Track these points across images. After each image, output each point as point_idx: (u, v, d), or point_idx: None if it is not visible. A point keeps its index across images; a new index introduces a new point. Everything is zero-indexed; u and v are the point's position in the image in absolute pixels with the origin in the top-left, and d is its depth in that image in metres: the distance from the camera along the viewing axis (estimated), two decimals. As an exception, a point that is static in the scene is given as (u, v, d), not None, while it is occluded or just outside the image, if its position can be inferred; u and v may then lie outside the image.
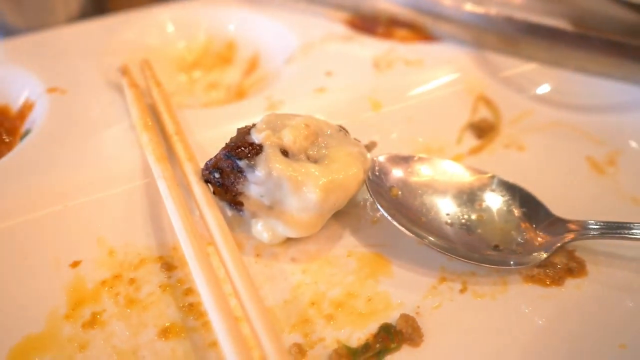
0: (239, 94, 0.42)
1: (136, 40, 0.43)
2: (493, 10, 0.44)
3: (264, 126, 0.30)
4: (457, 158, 0.37)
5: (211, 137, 0.35)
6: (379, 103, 0.39)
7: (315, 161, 0.30)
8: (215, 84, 0.43)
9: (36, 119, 0.36)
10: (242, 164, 0.29)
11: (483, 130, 0.40)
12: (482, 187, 0.32)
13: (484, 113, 0.41)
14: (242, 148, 0.29)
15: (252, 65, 0.44)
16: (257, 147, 0.29)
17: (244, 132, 0.30)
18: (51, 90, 0.37)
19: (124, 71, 0.37)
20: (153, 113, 0.36)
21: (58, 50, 0.41)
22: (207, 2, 0.47)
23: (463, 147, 0.38)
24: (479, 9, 0.43)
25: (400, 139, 0.38)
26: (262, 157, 0.28)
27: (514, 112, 0.41)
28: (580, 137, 0.39)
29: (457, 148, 0.38)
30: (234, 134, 0.32)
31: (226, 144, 0.30)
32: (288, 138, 0.29)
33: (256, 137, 0.29)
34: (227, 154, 0.29)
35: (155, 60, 0.43)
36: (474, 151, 0.38)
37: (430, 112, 0.40)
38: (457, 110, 0.41)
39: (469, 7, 0.43)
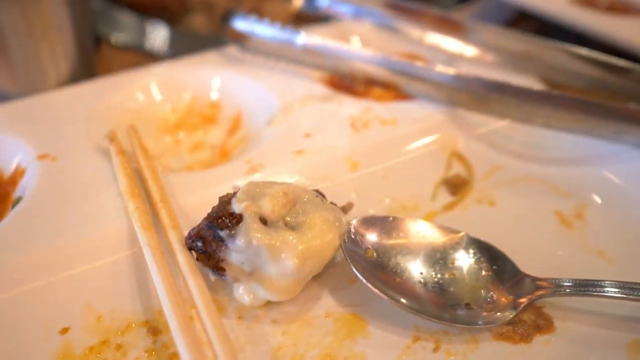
0: (223, 154, 0.44)
1: (123, 103, 0.45)
2: (463, 71, 0.46)
3: (244, 196, 0.31)
4: (431, 215, 0.39)
5: (195, 202, 0.36)
6: (356, 163, 0.41)
7: (293, 228, 0.31)
8: (199, 144, 0.45)
9: (27, 186, 0.38)
10: (223, 234, 0.30)
11: (456, 186, 0.42)
12: (454, 246, 0.34)
13: (457, 169, 0.43)
14: (223, 218, 0.31)
15: (235, 124, 0.46)
16: (238, 217, 0.31)
17: (225, 201, 0.32)
18: (42, 156, 0.39)
19: (112, 138, 0.39)
20: (139, 178, 0.37)
21: (48, 116, 0.43)
22: (190, 63, 0.49)
23: (437, 204, 0.40)
24: (450, 70, 0.45)
25: (376, 198, 0.39)
26: (242, 227, 0.30)
27: (486, 167, 0.43)
28: (548, 191, 0.41)
29: (431, 205, 0.40)
30: (216, 198, 0.33)
31: (208, 213, 0.31)
32: (267, 207, 0.31)
33: (236, 207, 0.31)
34: (209, 224, 0.31)
35: (141, 122, 0.45)
36: (448, 208, 0.40)
37: (405, 170, 0.42)
38: (431, 167, 0.42)
39: (440, 69, 0.45)
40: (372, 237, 0.34)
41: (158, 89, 0.47)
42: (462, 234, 0.34)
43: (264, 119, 0.45)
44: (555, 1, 0.65)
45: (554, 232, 0.38)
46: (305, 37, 0.47)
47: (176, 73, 0.48)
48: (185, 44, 0.61)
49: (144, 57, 0.60)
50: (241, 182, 0.37)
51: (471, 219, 0.39)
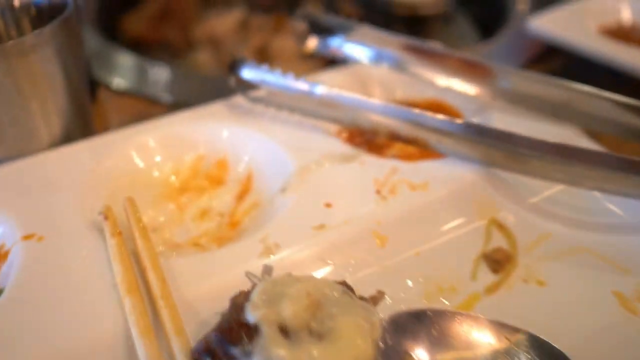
0: (233, 224, 0.39)
1: (120, 166, 0.40)
2: (498, 125, 0.41)
3: (260, 301, 0.26)
4: (473, 300, 0.34)
5: (202, 292, 0.31)
6: (384, 238, 0.36)
7: (320, 337, 0.26)
8: (206, 212, 0.40)
9: (9, 274, 0.33)
10: (236, 351, 0.25)
11: (498, 262, 0.37)
12: (511, 351, 0.29)
13: (498, 240, 0.38)
14: (237, 330, 0.26)
15: (246, 187, 0.41)
16: (254, 328, 0.26)
17: (238, 305, 0.27)
18: (27, 237, 0.34)
19: (106, 215, 0.34)
20: (138, 264, 0.32)
21: (36, 184, 0.38)
22: (194, 117, 0.45)
23: (478, 285, 0.35)
24: (483, 125, 0.40)
25: (408, 279, 0.34)
26: (259, 343, 0.25)
27: (531, 237, 0.38)
28: (603, 266, 0.36)
29: (471, 286, 0.35)
30: (226, 287, 0.29)
31: (218, 322, 0.27)
32: (288, 312, 0.26)
33: (252, 316, 0.26)
34: (219, 339, 0.26)
35: (141, 188, 0.40)
36: (491, 290, 0.35)
37: (439, 243, 0.37)
38: (469, 239, 0.38)
39: (471, 123, 0.40)
40: (409, 340, 0.29)
41: (159, 148, 0.42)
42: (522, 335, 0.29)
43: (278, 181, 0.40)
44: (586, 35, 0.60)
45: (615, 317, 0.33)
46: (323, 88, 0.42)
47: (178, 128, 0.44)
48: (188, 87, 0.57)
49: (145, 103, 0.55)
50: (254, 264, 0.32)
51: (519, 303, 0.34)
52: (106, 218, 0.34)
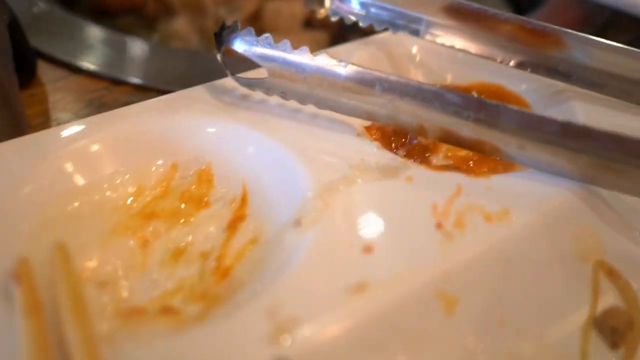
0: (222, 273, 0.26)
1: (49, 187, 0.27)
2: (592, 121, 0.29)
3: None
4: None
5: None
6: (452, 300, 0.24)
7: None
8: (182, 251, 0.27)
9: None
10: None
11: (617, 331, 0.25)
12: None
13: (610, 295, 0.26)
14: None
15: (240, 213, 0.29)
16: None
17: None
18: None
19: (20, 277, 0.21)
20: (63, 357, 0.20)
21: None
22: (166, 107, 0.32)
23: (595, 372, 0.23)
24: (585, 125, 0.27)
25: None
26: None
27: (656, 287, 0.26)
28: None
29: (586, 374, 0.23)
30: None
31: None
32: None
33: None
34: None
35: (82, 217, 0.27)
36: (616, 378, 0.23)
37: (529, 303, 0.25)
38: (568, 296, 0.25)
39: (569, 120, 0.28)
40: None
41: (109, 155, 0.29)
42: None
43: (288, 206, 0.27)
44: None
45: None
46: (351, 67, 0.29)
47: (140, 125, 0.31)
48: (162, 66, 0.44)
49: (102, 84, 0.42)
50: (258, 356, 0.20)
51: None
52: (19, 282, 0.21)
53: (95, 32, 0.46)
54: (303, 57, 0.30)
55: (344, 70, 0.29)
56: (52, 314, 0.21)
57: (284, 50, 0.30)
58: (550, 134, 0.27)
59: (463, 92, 0.32)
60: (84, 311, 0.21)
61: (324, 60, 0.30)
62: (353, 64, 0.30)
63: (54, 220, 0.26)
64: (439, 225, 0.26)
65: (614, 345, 0.24)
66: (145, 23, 0.63)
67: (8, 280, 0.21)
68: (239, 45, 0.31)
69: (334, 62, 0.30)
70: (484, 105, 0.28)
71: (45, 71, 0.43)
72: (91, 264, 0.25)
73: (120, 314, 0.24)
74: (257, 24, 0.56)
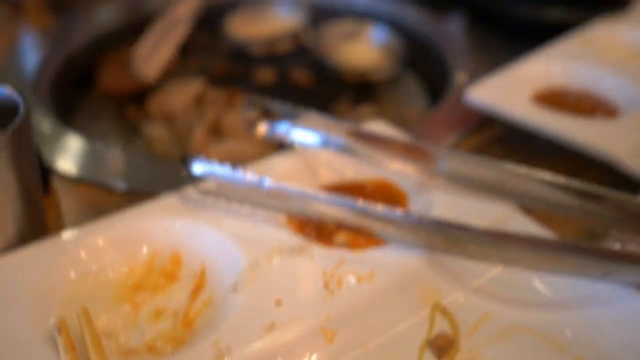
0: (186, 323, 0.40)
1: (72, 271, 0.41)
2: (438, 211, 0.44)
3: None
4: (419, 390, 0.36)
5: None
6: (332, 333, 0.38)
7: None
8: (161, 311, 0.41)
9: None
10: None
11: (442, 349, 0.39)
12: None
13: (441, 325, 0.40)
14: None
15: (199, 283, 0.43)
16: None
17: None
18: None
19: (61, 327, 0.35)
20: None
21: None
22: (147, 211, 0.46)
23: (423, 374, 0.37)
24: (423, 213, 0.42)
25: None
26: None
27: (472, 318, 0.40)
28: (541, 345, 0.39)
29: (417, 375, 0.37)
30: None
31: None
32: None
33: None
34: None
35: (94, 290, 0.41)
36: (436, 378, 0.37)
37: (385, 333, 0.39)
38: (414, 327, 0.39)
39: (413, 212, 0.43)
40: None
41: (111, 247, 0.43)
42: None
43: (230, 276, 0.42)
44: (519, 103, 0.64)
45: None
46: (270, 181, 0.44)
47: (130, 225, 0.45)
48: (143, 173, 0.58)
49: (100, 191, 0.56)
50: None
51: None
52: (60, 332, 0.35)
53: (90, 147, 0.61)
54: (239, 175, 0.45)
55: (267, 183, 0.44)
56: (82, 353, 0.35)
57: (227, 170, 0.45)
58: (410, 223, 0.42)
59: (359, 186, 0.48)
60: (102, 351, 0.34)
61: (252, 178, 0.45)
62: (273, 178, 0.44)
63: (77, 293, 0.40)
64: (326, 285, 0.40)
65: (439, 357, 0.38)
66: (132, 128, 0.79)
67: (54, 332, 0.35)
68: (196, 167, 0.46)
69: (259, 178, 0.44)
70: (356, 205, 0.43)
71: (54, 180, 0.57)
72: (102, 321, 0.39)
73: (121, 352, 0.37)
74: (218, 129, 0.71)
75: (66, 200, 0.55)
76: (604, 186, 0.46)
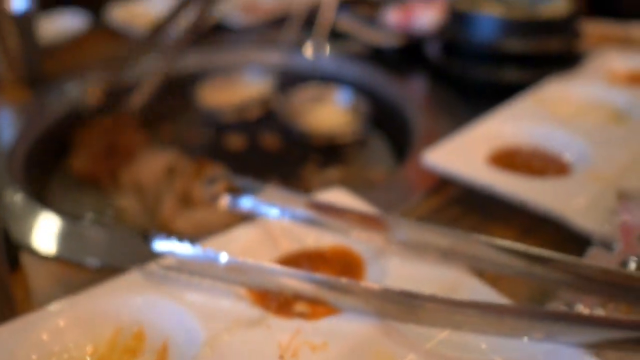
0: (148, 400, 0.41)
1: (34, 352, 0.42)
2: (391, 280, 0.46)
3: None
4: None
5: None
6: (287, 401, 0.39)
7: None
8: (123, 389, 0.42)
9: None
10: None
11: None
12: None
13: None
14: None
15: (162, 357, 0.44)
16: None
17: None
18: None
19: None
20: None
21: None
22: (111, 289, 0.48)
23: None
24: (376, 285, 0.44)
25: None
26: None
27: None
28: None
29: None
30: None
31: None
32: None
33: None
34: None
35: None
36: None
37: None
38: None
39: (366, 283, 0.45)
40: None
41: (74, 328, 0.45)
42: None
43: (191, 350, 0.43)
44: (475, 166, 0.67)
45: None
46: (227, 257, 0.46)
47: (95, 302, 0.46)
48: (112, 249, 0.60)
49: (70, 267, 0.57)
50: None
51: None
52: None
53: (61, 223, 0.63)
54: (197, 251, 0.47)
55: (223, 259, 0.46)
56: None
57: (186, 246, 0.47)
58: (362, 292, 0.44)
59: (318, 254, 0.50)
60: None
61: (210, 254, 0.46)
62: (229, 254, 0.46)
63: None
64: (281, 357, 0.41)
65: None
66: (103, 198, 0.81)
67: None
68: (157, 245, 0.48)
69: (215, 254, 0.46)
70: (312, 277, 0.45)
71: (23, 258, 0.58)
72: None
73: None
74: (188, 199, 0.74)
75: (36, 277, 0.57)
76: (559, 243, 0.48)
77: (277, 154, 0.92)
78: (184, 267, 0.48)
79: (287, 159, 0.91)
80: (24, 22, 0.95)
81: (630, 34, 1.09)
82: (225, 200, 0.55)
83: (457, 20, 0.93)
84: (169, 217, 0.69)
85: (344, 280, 0.45)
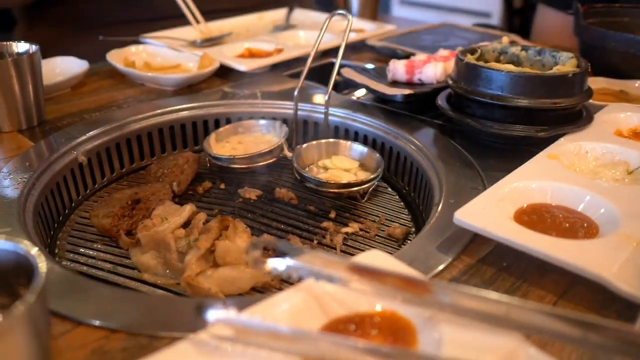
0: None
1: None
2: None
3: None
4: None
5: None
6: None
7: None
8: None
9: None
10: None
11: None
12: None
13: None
14: None
15: None
16: None
17: None
18: None
19: None
20: None
21: None
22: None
23: None
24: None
25: None
26: None
27: None
28: None
29: None
30: None
31: None
32: None
33: None
34: None
35: None
36: None
37: None
38: None
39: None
40: None
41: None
42: None
43: None
44: (505, 224, 0.67)
45: None
46: (291, 328, 0.45)
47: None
48: (146, 312, 0.58)
49: (103, 333, 0.55)
50: None
51: None
52: None
53: (99, 290, 0.60)
54: (257, 322, 0.46)
55: (290, 330, 0.45)
56: None
57: (244, 318, 0.46)
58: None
59: (367, 319, 0.49)
60: None
61: (270, 323, 0.45)
62: (284, 318, 0.45)
63: None
64: None
65: None
66: (123, 252, 0.79)
67: None
68: (212, 314, 0.47)
69: (273, 323, 0.45)
70: (377, 348, 0.44)
71: (54, 324, 0.56)
72: None
73: None
74: (211, 257, 0.72)
75: (70, 347, 0.54)
76: (599, 303, 0.48)
77: (293, 206, 0.91)
78: (238, 337, 0.46)
79: (304, 211, 0.91)
80: (28, 66, 0.94)
81: (627, 90, 1.13)
82: (269, 265, 0.54)
83: (469, 73, 0.95)
84: (194, 274, 0.68)
85: (404, 349, 0.44)
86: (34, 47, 0.96)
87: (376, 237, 0.85)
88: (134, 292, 0.70)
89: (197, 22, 1.44)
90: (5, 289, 0.48)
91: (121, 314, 0.57)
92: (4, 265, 0.46)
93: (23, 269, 0.45)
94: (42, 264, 0.43)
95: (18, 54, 0.97)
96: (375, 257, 0.60)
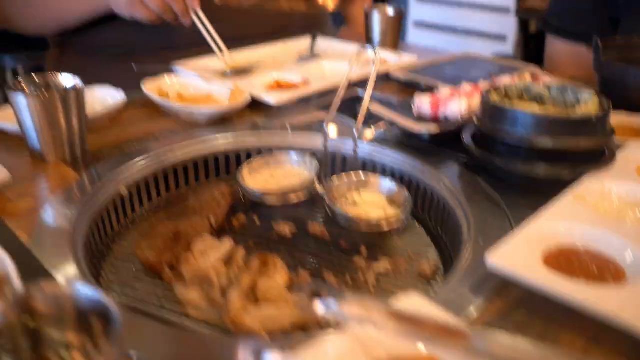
0: None
1: None
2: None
3: None
4: None
5: None
6: None
7: None
8: None
9: None
10: None
11: None
12: None
13: None
14: None
15: None
16: None
17: None
18: None
19: None
20: None
21: None
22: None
23: None
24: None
25: None
26: None
27: None
28: None
29: None
30: None
31: None
32: None
33: None
34: None
35: None
36: None
37: None
38: None
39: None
40: None
41: None
42: None
43: None
44: (535, 269, 0.70)
45: None
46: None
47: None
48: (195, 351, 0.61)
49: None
50: None
51: None
52: None
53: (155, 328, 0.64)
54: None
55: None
56: None
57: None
58: None
59: None
60: None
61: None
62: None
63: None
64: None
65: None
66: (167, 286, 0.82)
67: None
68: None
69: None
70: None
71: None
72: None
73: None
74: (253, 294, 0.75)
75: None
76: (629, 351, 0.51)
77: (326, 242, 0.95)
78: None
79: (336, 247, 0.94)
80: (74, 101, 0.98)
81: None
82: (317, 309, 0.58)
83: (494, 113, 0.98)
84: (238, 313, 0.71)
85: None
86: (79, 82, 1.00)
87: (405, 272, 0.88)
88: (193, 333, 0.73)
89: (221, 51, 1.47)
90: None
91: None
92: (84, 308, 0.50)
93: (97, 309, 0.48)
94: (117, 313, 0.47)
95: (65, 88, 1.00)
96: (413, 302, 0.63)
